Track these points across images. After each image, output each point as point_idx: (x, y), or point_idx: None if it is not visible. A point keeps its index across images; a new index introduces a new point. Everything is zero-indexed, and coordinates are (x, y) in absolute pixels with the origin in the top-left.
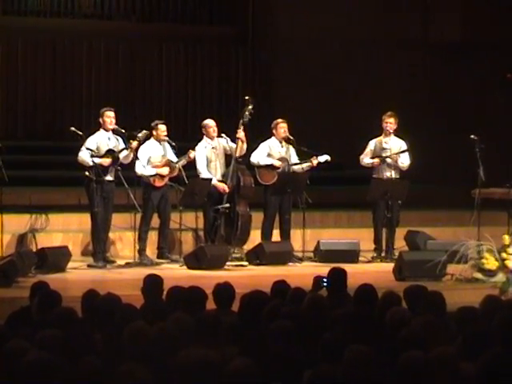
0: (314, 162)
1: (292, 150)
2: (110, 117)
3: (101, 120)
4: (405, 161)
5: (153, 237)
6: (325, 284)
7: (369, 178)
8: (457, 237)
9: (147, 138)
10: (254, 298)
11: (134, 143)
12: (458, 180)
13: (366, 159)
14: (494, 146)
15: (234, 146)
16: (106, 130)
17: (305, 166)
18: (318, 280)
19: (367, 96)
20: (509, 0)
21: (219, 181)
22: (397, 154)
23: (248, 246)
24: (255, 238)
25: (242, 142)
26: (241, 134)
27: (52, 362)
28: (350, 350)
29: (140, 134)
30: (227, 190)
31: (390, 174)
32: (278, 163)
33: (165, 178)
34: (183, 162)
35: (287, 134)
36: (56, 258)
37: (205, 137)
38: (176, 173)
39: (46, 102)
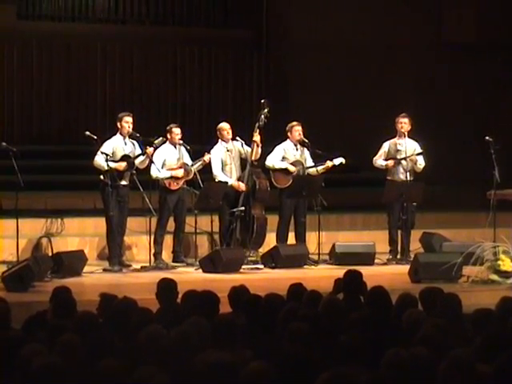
0: (329, 164)
1: (307, 153)
2: (128, 122)
3: (118, 124)
4: (421, 162)
5: (168, 240)
6: None
7: (384, 180)
8: (472, 238)
9: (163, 144)
10: (270, 301)
11: (150, 149)
12: (473, 181)
13: (379, 161)
14: (509, 147)
15: (248, 149)
16: (123, 135)
17: (320, 168)
18: (338, 283)
19: (381, 98)
20: None
21: None
22: (412, 155)
23: (263, 249)
24: (271, 241)
25: (258, 145)
26: (257, 137)
27: (61, 365)
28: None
29: (156, 141)
30: (244, 187)
31: (404, 176)
32: (292, 168)
33: (180, 181)
34: (198, 165)
35: (302, 137)
36: (72, 263)
37: (220, 140)
38: (191, 176)
39: (60, 107)
